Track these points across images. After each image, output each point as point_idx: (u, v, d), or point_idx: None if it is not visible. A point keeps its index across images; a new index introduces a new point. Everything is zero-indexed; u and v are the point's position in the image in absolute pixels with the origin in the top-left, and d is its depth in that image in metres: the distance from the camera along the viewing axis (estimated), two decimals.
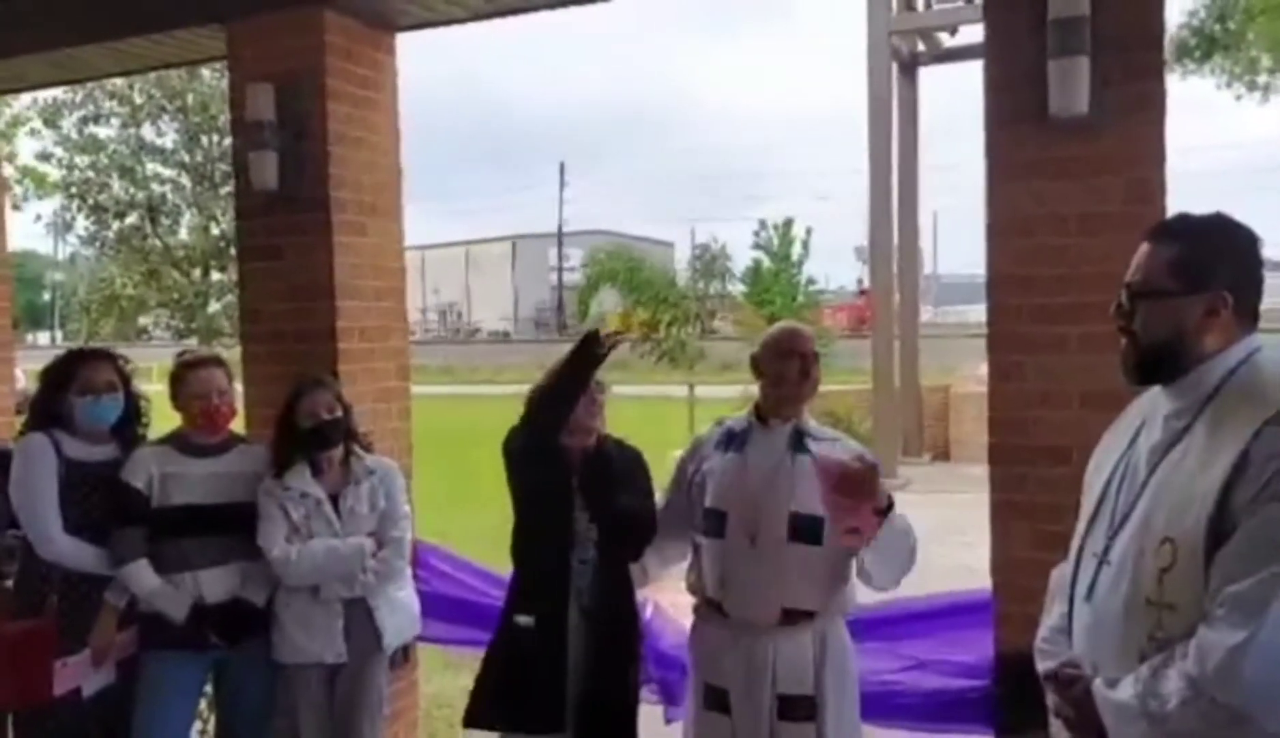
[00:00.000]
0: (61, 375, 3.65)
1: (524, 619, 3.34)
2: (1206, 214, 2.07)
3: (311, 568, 3.53)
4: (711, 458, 3.26)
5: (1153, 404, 2.12)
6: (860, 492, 2.80)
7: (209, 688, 3.78)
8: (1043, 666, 2.18)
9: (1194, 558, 1.83)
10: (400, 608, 3.74)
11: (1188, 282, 1.98)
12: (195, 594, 3.52)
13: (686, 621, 3.40)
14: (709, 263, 14.40)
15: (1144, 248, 2.07)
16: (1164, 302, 2.00)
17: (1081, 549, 2.15)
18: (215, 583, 3.56)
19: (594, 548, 3.32)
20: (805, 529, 3.02)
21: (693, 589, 3.29)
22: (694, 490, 3.26)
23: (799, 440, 3.12)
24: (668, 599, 3.84)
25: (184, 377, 3.63)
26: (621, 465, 3.38)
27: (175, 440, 3.66)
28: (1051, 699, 2.12)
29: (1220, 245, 2.00)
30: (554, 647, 3.29)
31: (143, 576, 3.50)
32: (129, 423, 3.74)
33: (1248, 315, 1.99)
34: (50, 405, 3.64)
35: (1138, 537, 1.97)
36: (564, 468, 3.33)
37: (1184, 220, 2.10)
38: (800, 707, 3.03)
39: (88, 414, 3.61)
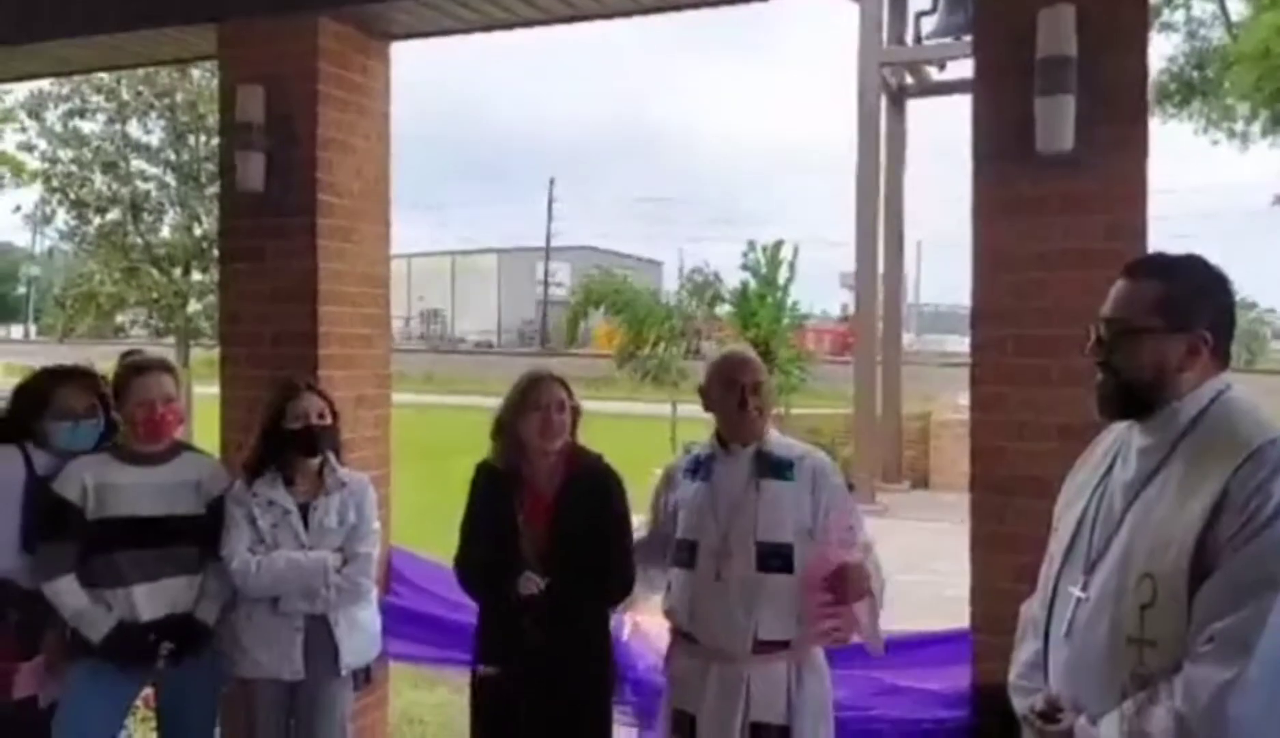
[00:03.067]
0: (38, 397, 3.52)
1: (485, 670, 3.27)
2: (1183, 254, 2.09)
3: (272, 580, 3.42)
4: (682, 486, 3.24)
5: (1124, 439, 2.13)
6: (848, 591, 2.87)
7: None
8: (1020, 703, 2.17)
9: (1176, 594, 1.84)
10: (361, 629, 3.61)
11: (1172, 320, 1.99)
12: (128, 611, 3.36)
13: (666, 641, 3.36)
14: (701, 286, 14.38)
15: (1121, 284, 2.08)
16: (1146, 338, 2.01)
17: (1056, 585, 2.15)
18: (152, 598, 3.40)
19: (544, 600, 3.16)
20: (773, 558, 3.00)
21: (668, 616, 3.27)
22: (668, 521, 3.25)
23: (762, 466, 3.08)
24: (653, 621, 3.76)
25: (130, 382, 3.47)
26: (589, 503, 3.21)
27: (114, 448, 3.51)
28: None
29: (1202, 285, 2.03)
30: (500, 703, 3.22)
31: (68, 594, 3.34)
32: (106, 440, 3.59)
33: (1222, 355, 2.02)
34: (24, 425, 3.51)
35: (1117, 573, 1.98)
36: (514, 530, 3.19)
37: (1164, 259, 2.11)
38: (772, 736, 3.00)
39: (66, 440, 3.48)
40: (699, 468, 3.22)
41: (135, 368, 3.50)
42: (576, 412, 3.29)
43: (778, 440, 3.14)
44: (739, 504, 3.07)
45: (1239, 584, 1.77)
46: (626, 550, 3.25)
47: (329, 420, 3.55)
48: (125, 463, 3.46)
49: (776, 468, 3.07)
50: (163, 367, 3.59)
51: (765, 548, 3.01)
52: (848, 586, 2.89)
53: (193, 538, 3.48)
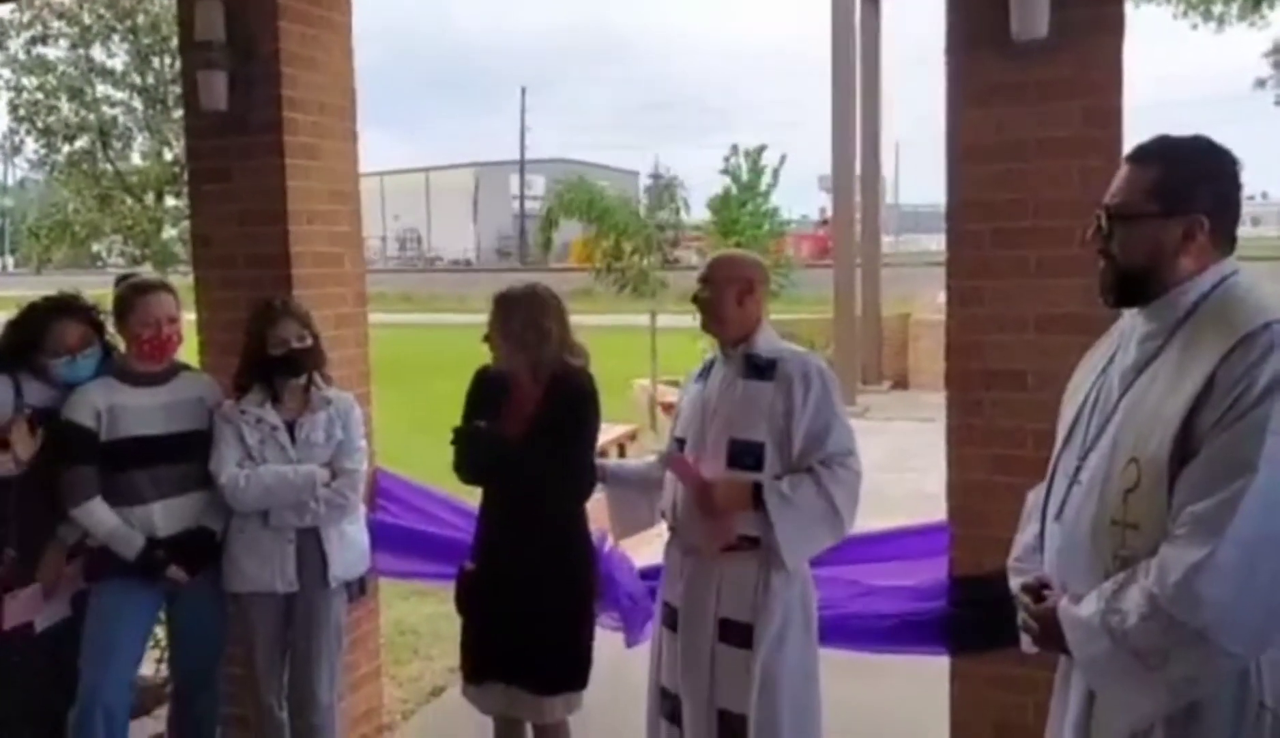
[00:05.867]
0: (33, 333, 3.51)
1: (468, 564, 3.44)
2: (1188, 136, 2.05)
3: (261, 494, 3.49)
4: (688, 389, 3.33)
5: (1129, 327, 2.13)
6: (704, 507, 3.02)
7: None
8: (1014, 582, 2.23)
9: (1158, 478, 1.86)
10: (351, 543, 3.70)
11: (1166, 204, 1.97)
12: (148, 528, 3.46)
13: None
14: (661, 191, 14.14)
15: (1124, 169, 2.07)
16: (1142, 224, 2.00)
17: (1055, 470, 2.18)
18: (169, 515, 3.50)
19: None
20: (743, 455, 3.03)
21: (663, 515, 3.33)
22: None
23: (747, 367, 3.11)
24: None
25: (132, 302, 3.51)
26: (563, 419, 3.29)
27: (117, 370, 3.55)
28: (1021, 615, 2.17)
29: (1200, 169, 1.99)
30: (473, 597, 3.40)
31: (99, 515, 3.42)
32: (104, 366, 3.59)
33: (1224, 240, 1.99)
34: (19, 359, 3.51)
35: (1106, 458, 2.00)
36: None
37: (1165, 142, 2.06)
38: (738, 632, 3.05)
39: (66, 374, 3.49)
40: (704, 371, 3.29)
41: (137, 288, 3.56)
42: (543, 331, 3.28)
43: (765, 343, 3.14)
44: (720, 403, 3.12)
45: (1217, 467, 1.78)
46: (585, 462, 3.35)
47: (309, 342, 3.60)
48: (130, 385, 3.52)
49: (759, 369, 3.09)
50: (164, 287, 3.64)
51: (738, 445, 3.04)
52: (706, 500, 3.03)
53: (203, 453, 3.55)
